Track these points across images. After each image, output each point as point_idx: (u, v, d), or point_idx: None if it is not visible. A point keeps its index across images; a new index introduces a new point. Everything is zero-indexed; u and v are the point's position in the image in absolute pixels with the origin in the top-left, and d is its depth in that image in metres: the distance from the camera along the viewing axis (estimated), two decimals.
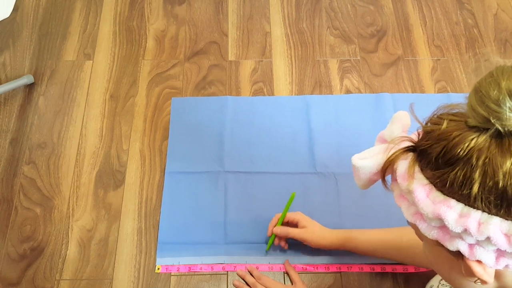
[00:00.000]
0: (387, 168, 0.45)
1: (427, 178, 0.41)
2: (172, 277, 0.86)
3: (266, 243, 0.89)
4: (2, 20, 1.16)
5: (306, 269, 0.87)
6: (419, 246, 0.57)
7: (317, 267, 0.87)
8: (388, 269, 0.86)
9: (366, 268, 0.86)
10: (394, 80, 1.10)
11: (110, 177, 0.97)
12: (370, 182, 0.49)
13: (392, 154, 0.44)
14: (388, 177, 0.47)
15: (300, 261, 0.87)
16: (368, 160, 0.47)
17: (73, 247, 0.89)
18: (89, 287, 0.85)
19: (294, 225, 0.86)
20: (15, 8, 1.20)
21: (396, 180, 0.44)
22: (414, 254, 0.75)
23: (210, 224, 0.91)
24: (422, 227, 0.42)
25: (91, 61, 1.12)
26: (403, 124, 0.47)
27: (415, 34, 1.17)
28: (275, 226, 0.87)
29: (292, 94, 1.07)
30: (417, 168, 0.42)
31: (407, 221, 0.45)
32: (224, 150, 0.99)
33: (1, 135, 1.01)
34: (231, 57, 1.13)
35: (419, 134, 0.44)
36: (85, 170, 0.97)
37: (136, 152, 0.99)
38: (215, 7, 1.21)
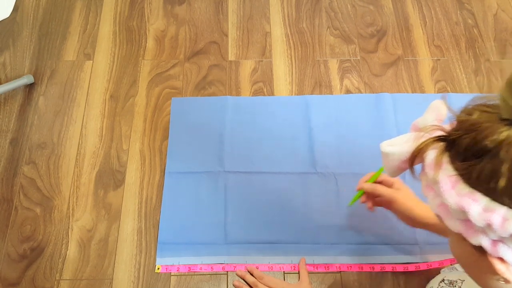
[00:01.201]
0: (416, 156, 0.44)
1: (455, 169, 0.40)
2: (172, 277, 0.86)
3: (268, 243, 0.89)
4: (2, 20, 1.16)
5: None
6: None
7: (317, 267, 0.87)
8: (388, 268, 0.86)
9: (366, 268, 0.86)
10: (394, 80, 1.10)
11: (110, 177, 0.97)
12: (399, 169, 0.49)
13: (422, 143, 0.43)
14: (418, 167, 0.46)
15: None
16: (397, 147, 0.47)
17: (73, 247, 0.89)
18: (89, 287, 0.86)
19: (388, 186, 0.77)
20: (15, 8, 1.20)
21: (424, 169, 0.43)
22: None
23: (210, 224, 0.91)
24: (447, 219, 0.42)
25: (91, 61, 1.12)
26: (438, 114, 0.46)
27: (415, 34, 1.17)
28: (366, 182, 0.79)
29: (292, 94, 1.07)
30: (445, 159, 0.41)
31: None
32: (224, 150, 0.99)
33: (1, 135, 1.01)
34: (231, 57, 1.13)
35: (452, 125, 0.43)
36: (85, 170, 0.97)
37: (136, 152, 0.99)
38: (215, 7, 1.21)
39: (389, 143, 0.48)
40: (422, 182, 0.45)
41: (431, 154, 0.42)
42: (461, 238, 0.42)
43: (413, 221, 0.74)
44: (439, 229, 0.71)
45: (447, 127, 0.43)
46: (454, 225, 0.41)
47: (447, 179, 0.40)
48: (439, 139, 0.42)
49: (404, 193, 0.75)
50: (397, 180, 0.77)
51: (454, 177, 0.40)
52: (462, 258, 0.48)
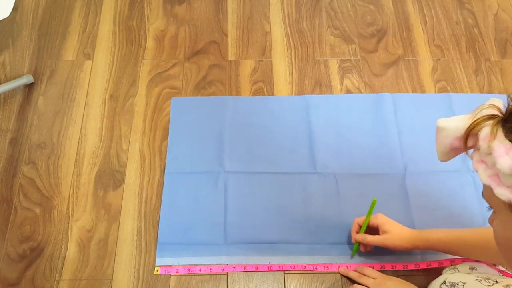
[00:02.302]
0: (471, 131, 0.47)
1: (509, 140, 0.42)
2: (172, 277, 0.86)
3: (268, 243, 0.89)
4: (1, 20, 1.15)
5: (305, 268, 0.87)
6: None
7: (316, 267, 0.87)
8: (387, 267, 0.86)
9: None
10: (394, 80, 1.10)
11: (110, 177, 0.96)
12: (451, 149, 0.51)
13: (478, 118, 0.46)
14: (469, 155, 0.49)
15: (300, 261, 0.87)
16: (453, 123, 0.49)
17: (72, 247, 0.89)
18: (89, 287, 0.85)
19: (375, 228, 0.84)
20: (15, 8, 1.20)
21: (478, 148, 0.46)
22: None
23: (210, 224, 0.90)
24: (497, 188, 0.44)
25: (91, 61, 1.12)
26: (493, 105, 0.49)
27: (415, 33, 1.17)
28: (356, 232, 0.85)
29: (292, 94, 1.07)
30: (500, 131, 0.43)
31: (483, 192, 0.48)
32: (224, 150, 0.99)
33: (1, 135, 1.01)
34: (231, 57, 1.13)
35: (508, 105, 0.45)
36: (84, 170, 0.97)
37: (136, 152, 0.99)
38: (215, 6, 1.21)
39: (446, 119, 0.51)
40: (474, 159, 0.48)
41: (486, 129, 0.45)
42: (508, 209, 0.44)
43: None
44: (435, 246, 0.80)
45: (503, 107, 0.46)
46: (504, 193, 0.43)
47: (502, 146, 0.43)
48: (494, 116, 0.45)
49: (392, 235, 0.81)
50: (380, 222, 0.83)
51: (508, 144, 0.42)
52: (507, 238, 0.50)
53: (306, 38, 1.16)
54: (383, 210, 0.91)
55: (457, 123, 0.49)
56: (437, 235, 0.80)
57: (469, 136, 0.47)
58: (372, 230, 0.84)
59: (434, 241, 0.80)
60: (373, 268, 0.86)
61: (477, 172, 0.47)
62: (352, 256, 0.87)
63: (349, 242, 0.89)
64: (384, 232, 0.82)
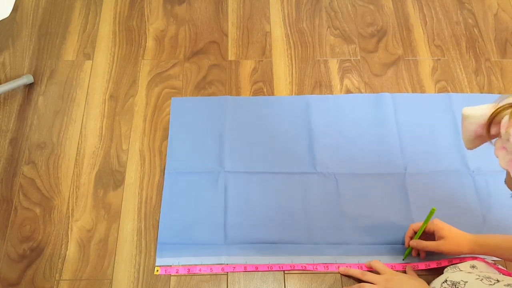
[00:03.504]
0: (494, 119, 0.49)
1: None
2: (172, 277, 0.86)
3: (268, 243, 0.89)
4: (1, 20, 1.15)
5: (305, 268, 0.87)
6: None
7: (316, 267, 0.87)
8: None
9: (366, 268, 0.86)
10: (394, 80, 1.10)
11: (110, 177, 0.96)
12: (476, 137, 0.53)
13: (501, 106, 0.49)
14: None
15: (300, 261, 0.87)
16: (477, 110, 0.51)
17: (72, 247, 0.89)
18: (89, 287, 0.85)
19: (431, 234, 0.84)
20: (15, 8, 1.20)
21: (500, 136, 0.48)
22: None
23: (210, 224, 0.90)
24: None
25: (91, 61, 1.12)
26: None
27: (415, 34, 1.17)
28: (411, 237, 0.85)
29: (292, 94, 1.07)
30: None
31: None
32: (224, 150, 0.99)
33: (1, 135, 1.01)
34: (231, 57, 1.13)
35: None
36: (84, 170, 0.97)
37: (136, 152, 0.99)
38: (215, 7, 1.21)
39: (470, 108, 0.53)
40: (496, 145, 0.51)
41: (506, 117, 0.47)
42: None
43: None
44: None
45: None
46: None
47: None
48: None
49: (448, 241, 0.80)
50: (436, 228, 0.81)
51: None
52: None
53: (306, 38, 1.16)
54: (383, 210, 0.92)
55: (481, 111, 0.51)
56: (494, 241, 0.78)
57: (492, 123, 0.49)
58: (426, 236, 0.84)
59: (491, 247, 0.78)
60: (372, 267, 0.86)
61: (497, 158, 0.49)
62: (403, 259, 0.87)
63: (349, 241, 0.89)
64: (441, 237, 0.81)
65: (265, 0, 1.22)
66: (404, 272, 0.85)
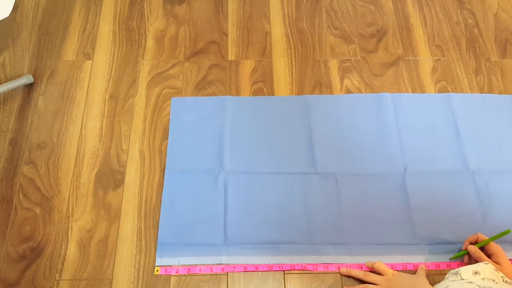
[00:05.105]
0: None
1: None
2: (172, 277, 0.86)
3: (268, 243, 0.89)
4: (1, 20, 1.16)
5: (305, 268, 0.87)
6: None
7: (316, 267, 0.87)
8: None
9: (366, 268, 0.86)
10: (394, 80, 1.10)
11: (110, 177, 0.96)
12: None
13: None
14: None
15: (300, 261, 0.87)
16: None
17: (72, 247, 0.89)
18: (89, 287, 0.85)
19: (486, 251, 0.83)
20: (15, 8, 1.20)
21: None
22: None
23: (210, 224, 0.90)
24: None
25: (91, 61, 1.12)
26: None
27: (415, 34, 1.17)
28: (472, 243, 0.84)
29: (292, 94, 1.07)
30: None
31: None
32: (224, 150, 0.99)
33: (1, 135, 1.01)
34: (231, 57, 1.13)
35: None
36: (84, 170, 0.97)
37: (136, 152, 0.99)
38: (215, 6, 1.21)
39: None
40: None
41: None
42: None
43: None
44: None
45: None
46: None
47: None
48: None
49: (503, 270, 0.77)
50: (496, 252, 0.80)
51: None
52: None
53: (306, 38, 1.16)
54: (383, 210, 0.92)
55: None
56: None
57: None
58: (483, 250, 0.83)
59: None
60: (372, 268, 0.86)
61: None
62: (451, 258, 0.87)
63: (349, 241, 0.89)
64: (496, 262, 0.80)
65: (265, 0, 1.22)
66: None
